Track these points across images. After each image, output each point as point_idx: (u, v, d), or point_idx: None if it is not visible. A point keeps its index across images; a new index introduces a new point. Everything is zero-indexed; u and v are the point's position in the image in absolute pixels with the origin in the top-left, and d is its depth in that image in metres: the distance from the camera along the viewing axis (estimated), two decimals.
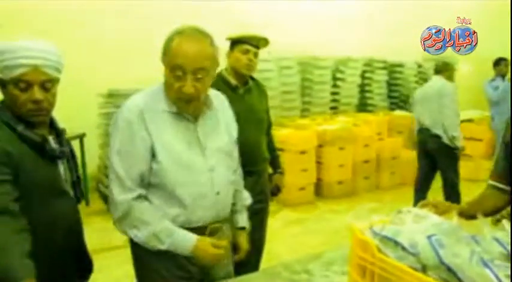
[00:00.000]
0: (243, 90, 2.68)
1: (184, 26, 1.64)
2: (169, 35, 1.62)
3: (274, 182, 3.00)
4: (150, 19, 5.39)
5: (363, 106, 7.23)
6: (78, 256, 1.77)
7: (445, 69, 4.55)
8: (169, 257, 1.64)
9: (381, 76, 7.25)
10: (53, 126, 1.69)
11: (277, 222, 4.74)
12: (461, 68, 7.69)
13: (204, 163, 1.68)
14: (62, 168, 1.65)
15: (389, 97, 7.48)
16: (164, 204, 1.65)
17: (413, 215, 1.39)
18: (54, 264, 1.60)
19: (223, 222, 1.80)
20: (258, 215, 2.70)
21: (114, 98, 4.78)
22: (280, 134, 5.30)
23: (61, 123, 1.75)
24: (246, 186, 2.46)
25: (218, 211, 1.74)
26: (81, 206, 1.83)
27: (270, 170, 3.01)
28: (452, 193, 4.48)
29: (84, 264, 1.81)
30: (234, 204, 1.92)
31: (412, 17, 7.44)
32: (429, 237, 1.25)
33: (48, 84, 1.55)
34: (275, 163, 3.01)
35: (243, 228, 1.98)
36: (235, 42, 2.64)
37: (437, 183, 4.73)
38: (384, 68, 7.28)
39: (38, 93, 1.52)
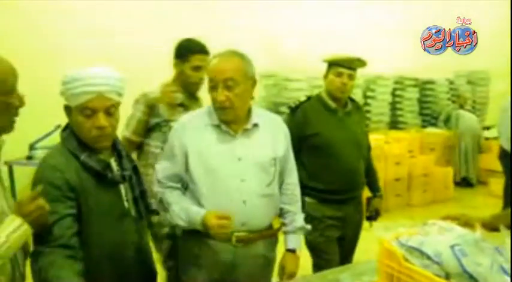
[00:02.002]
0: (342, 113, 2.62)
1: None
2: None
3: (373, 206, 2.86)
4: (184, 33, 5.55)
5: (394, 124, 7.24)
6: (144, 270, 1.82)
7: None
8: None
9: (412, 93, 7.25)
10: (115, 147, 1.72)
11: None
12: None
13: (235, 172, 1.83)
14: (123, 189, 1.69)
15: (421, 114, 7.46)
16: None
17: (438, 227, 1.49)
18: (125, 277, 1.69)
19: (256, 233, 1.88)
20: (351, 242, 2.74)
21: None
22: None
23: None
24: (347, 214, 2.60)
25: (245, 221, 1.83)
26: None
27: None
28: None
29: (149, 276, 1.87)
30: (284, 225, 2.01)
31: None
32: (452, 247, 1.35)
33: (112, 109, 1.59)
34: (374, 186, 2.88)
35: (291, 250, 1.99)
36: (330, 65, 2.61)
37: None
38: (415, 86, 7.29)
39: (102, 120, 1.56)
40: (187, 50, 2.46)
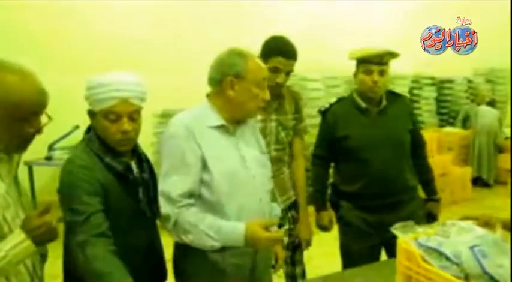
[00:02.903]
0: (375, 112, 2.43)
1: (238, 48, 1.81)
2: (235, 60, 1.75)
3: (427, 210, 2.57)
4: (202, 39, 5.61)
5: None
6: (156, 268, 1.88)
7: None
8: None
9: (430, 92, 7.18)
10: (135, 151, 1.78)
11: (326, 237, 4.76)
12: None
13: (247, 173, 1.78)
14: (141, 191, 1.74)
15: (439, 113, 7.39)
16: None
17: (457, 227, 1.46)
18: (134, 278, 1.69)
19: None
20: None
21: (168, 117, 4.99)
22: None
23: None
24: (389, 221, 2.13)
25: (262, 218, 1.79)
26: None
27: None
28: None
29: (160, 274, 1.92)
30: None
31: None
32: (472, 247, 1.33)
33: (135, 115, 1.65)
34: (429, 188, 2.61)
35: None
36: (359, 62, 2.40)
37: None
38: (432, 85, 7.21)
39: (126, 125, 1.62)
40: (269, 51, 2.26)
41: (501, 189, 6.58)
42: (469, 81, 7.52)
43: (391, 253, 2.34)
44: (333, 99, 2.59)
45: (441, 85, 7.36)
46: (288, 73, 2.29)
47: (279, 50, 2.25)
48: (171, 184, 1.67)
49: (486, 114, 6.91)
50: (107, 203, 1.61)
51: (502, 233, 1.44)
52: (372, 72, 2.33)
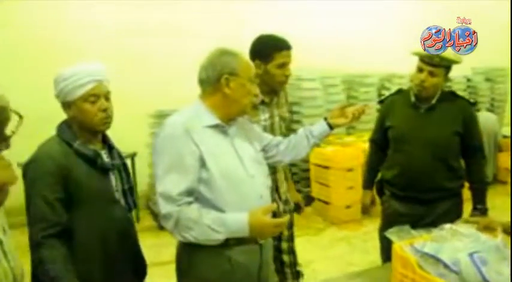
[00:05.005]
0: (424, 108, 2.47)
1: (226, 48, 1.81)
2: (227, 58, 1.77)
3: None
4: (197, 39, 5.56)
5: None
6: (133, 258, 1.93)
7: None
8: None
9: None
10: (105, 141, 1.89)
11: (323, 240, 4.72)
12: None
13: (244, 169, 1.77)
14: (113, 179, 1.85)
15: None
16: None
17: (455, 231, 1.39)
18: (110, 266, 1.78)
19: None
20: None
21: (163, 118, 4.91)
22: (326, 152, 5.31)
23: (114, 143, 1.90)
24: (416, 215, 2.44)
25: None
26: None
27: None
28: None
29: (139, 266, 1.97)
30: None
31: None
32: (471, 254, 1.26)
33: (109, 95, 1.81)
34: (474, 196, 2.59)
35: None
36: (419, 59, 2.43)
37: None
38: None
39: (105, 103, 1.78)
40: (272, 48, 2.27)
41: (500, 188, 6.50)
42: (468, 80, 7.44)
43: None
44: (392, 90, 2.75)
45: None
46: None
47: (281, 44, 2.29)
48: (170, 183, 1.65)
49: (486, 120, 6.84)
50: (76, 189, 1.71)
51: (503, 237, 1.36)
52: (423, 71, 2.39)
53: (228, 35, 4.91)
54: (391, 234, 1.45)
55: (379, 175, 2.76)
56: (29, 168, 1.71)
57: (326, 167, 5.29)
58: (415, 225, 2.33)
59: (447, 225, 1.44)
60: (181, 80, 5.28)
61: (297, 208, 2.73)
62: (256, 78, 1.87)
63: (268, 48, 2.28)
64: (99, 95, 1.77)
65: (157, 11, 5.71)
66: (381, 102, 2.77)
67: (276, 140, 2.09)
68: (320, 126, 2.09)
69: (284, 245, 2.56)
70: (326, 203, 5.30)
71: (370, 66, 6.36)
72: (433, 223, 2.43)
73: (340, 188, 5.16)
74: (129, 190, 1.91)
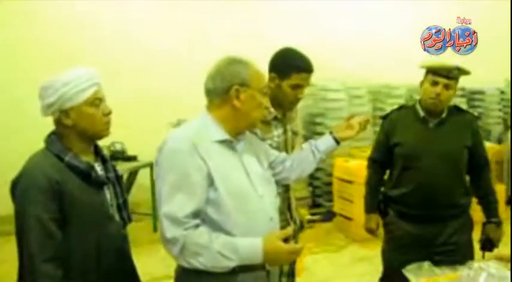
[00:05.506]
0: (434, 123, 2.44)
1: (237, 56, 1.70)
2: (237, 68, 1.65)
3: (485, 235, 2.54)
4: (215, 50, 5.49)
5: None
6: (127, 277, 1.84)
7: None
8: None
9: (460, 104, 6.81)
10: (98, 153, 1.79)
11: (343, 258, 4.53)
12: None
13: (254, 191, 1.65)
14: (107, 193, 1.75)
15: None
16: None
17: (487, 273, 1.20)
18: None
19: None
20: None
21: None
22: (350, 166, 5.13)
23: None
24: (427, 235, 2.40)
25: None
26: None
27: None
28: None
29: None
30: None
31: (493, 40, 7.00)
32: None
33: (104, 99, 1.73)
34: (487, 209, 2.57)
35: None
36: (427, 72, 2.41)
37: None
38: (462, 96, 6.85)
39: (108, 107, 1.73)
40: (292, 67, 2.13)
41: None
42: (502, 92, 7.12)
43: None
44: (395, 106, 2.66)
45: (472, 96, 7.00)
46: None
47: (300, 66, 2.14)
48: (176, 204, 1.53)
49: None
50: (70, 205, 1.60)
51: None
52: (438, 84, 2.33)
53: (251, 45, 4.82)
54: (409, 271, 1.27)
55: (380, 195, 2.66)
56: (19, 183, 1.59)
57: (349, 182, 5.09)
58: (427, 246, 2.38)
59: (476, 264, 1.26)
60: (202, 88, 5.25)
61: (301, 227, 2.60)
62: (268, 90, 1.75)
63: (288, 66, 2.14)
64: (102, 99, 1.71)
65: (184, 13, 5.68)
66: (383, 118, 2.65)
67: (281, 157, 1.97)
68: (326, 141, 1.99)
69: (283, 281, 2.37)
70: (348, 218, 5.10)
71: (395, 75, 6.13)
72: (445, 244, 2.41)
73: (363, 204, 4.95)
74: (124, 204, 1.81)
